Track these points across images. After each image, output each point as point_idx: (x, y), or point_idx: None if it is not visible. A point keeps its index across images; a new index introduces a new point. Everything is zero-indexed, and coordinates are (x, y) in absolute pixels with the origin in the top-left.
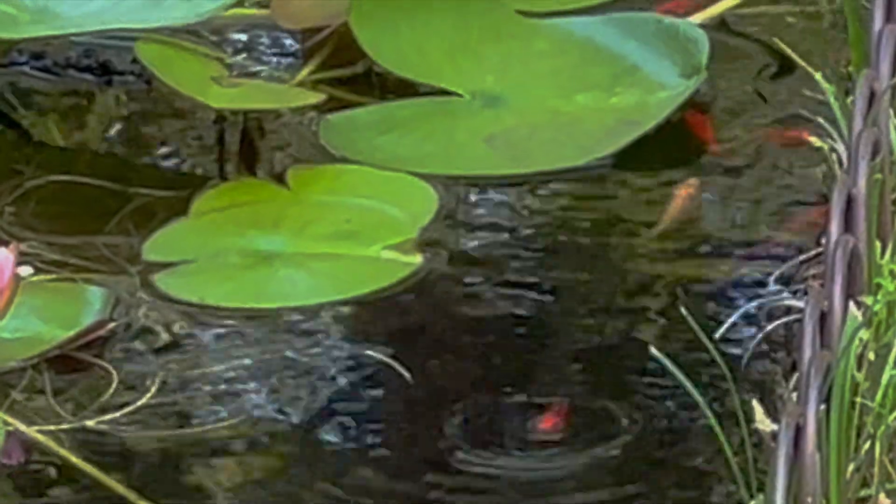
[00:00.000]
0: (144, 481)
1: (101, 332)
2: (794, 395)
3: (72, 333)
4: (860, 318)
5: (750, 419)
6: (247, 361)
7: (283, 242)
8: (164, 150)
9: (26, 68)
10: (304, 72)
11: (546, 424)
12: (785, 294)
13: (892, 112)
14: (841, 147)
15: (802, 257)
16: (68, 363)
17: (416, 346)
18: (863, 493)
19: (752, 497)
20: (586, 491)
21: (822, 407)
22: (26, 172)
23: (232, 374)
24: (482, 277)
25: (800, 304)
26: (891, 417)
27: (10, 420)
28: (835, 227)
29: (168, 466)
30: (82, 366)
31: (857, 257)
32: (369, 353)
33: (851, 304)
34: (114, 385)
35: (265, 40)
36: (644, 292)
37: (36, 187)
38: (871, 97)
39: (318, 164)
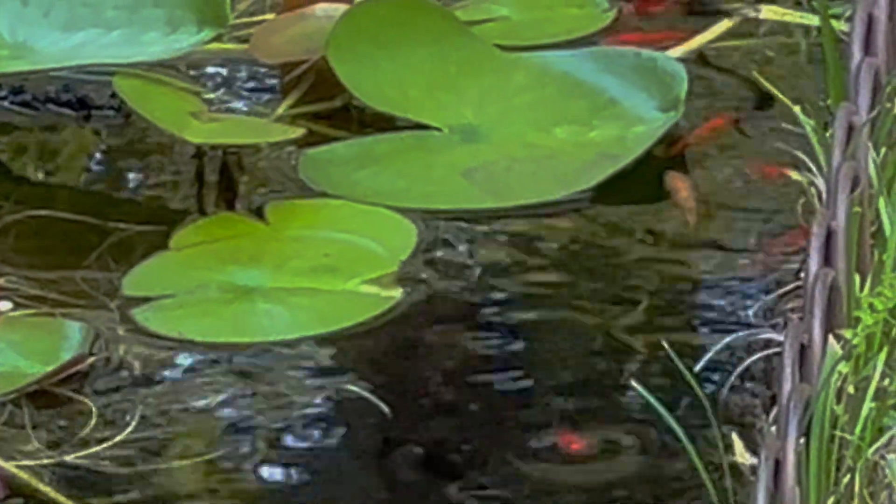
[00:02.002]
0: None
1: (81, 367)
2: (774, 428)
3: (51, 368)
4: (840, 351)
5: (730, 452)
6: (226, 396)
7: (262, 277)
8: (143, 184)
9: (5, 103)
10: (283, 106)
11: (577, 446)
12: (765, 327)
13: (870, 145)
14: (820, 180)
15: (781, 290)
16: (47, 398)
17: (395, 381)
18: None
19: None
20: None
21: (802, 440)
22: (5, 207)
23: (211, 409)
24: (462, 311)
25: (779, 337)
26: (870, 451)
27: None
28: (814, 261)
29: (148, 501)
30: (62, 401)
31: (836, 290)
32: (349, 387)
33: (831, 338)
34: (93, 420)
35: (244, 75)
36: (624, 327)
37: (15, 222)
38: (850, 130)
39: (297, 199)
